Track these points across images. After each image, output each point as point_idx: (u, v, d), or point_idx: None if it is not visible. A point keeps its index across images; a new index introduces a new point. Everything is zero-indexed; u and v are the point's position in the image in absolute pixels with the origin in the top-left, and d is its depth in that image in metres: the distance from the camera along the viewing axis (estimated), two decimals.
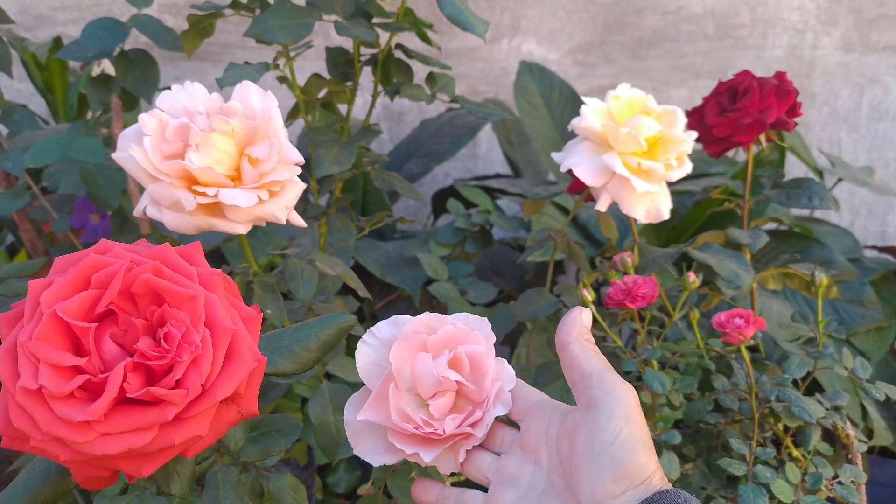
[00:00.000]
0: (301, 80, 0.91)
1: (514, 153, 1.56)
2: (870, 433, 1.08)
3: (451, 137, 1.48)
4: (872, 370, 0.78)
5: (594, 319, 0.81)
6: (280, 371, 0.46)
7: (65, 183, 0.98)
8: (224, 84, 0.75)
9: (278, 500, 0.50)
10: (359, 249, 1.20)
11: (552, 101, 1.48)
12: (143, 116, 0.58)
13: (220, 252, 1.16)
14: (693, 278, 0.82)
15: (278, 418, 0.51)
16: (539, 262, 1.21)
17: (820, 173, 1.41)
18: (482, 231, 1.19)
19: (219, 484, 0.48)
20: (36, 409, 0.37)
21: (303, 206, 0.91)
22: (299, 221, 0.64)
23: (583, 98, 0.80)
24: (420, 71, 0.90)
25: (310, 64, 1.30)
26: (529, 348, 0.94)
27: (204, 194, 0.57)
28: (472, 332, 0.47)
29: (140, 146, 0.57)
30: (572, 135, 0.82)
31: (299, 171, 0.62)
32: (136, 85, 0.92)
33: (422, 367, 0.46)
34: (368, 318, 1.24)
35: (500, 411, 0.47)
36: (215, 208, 0.59)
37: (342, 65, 0.90)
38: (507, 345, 1.28)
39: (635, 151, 0.76)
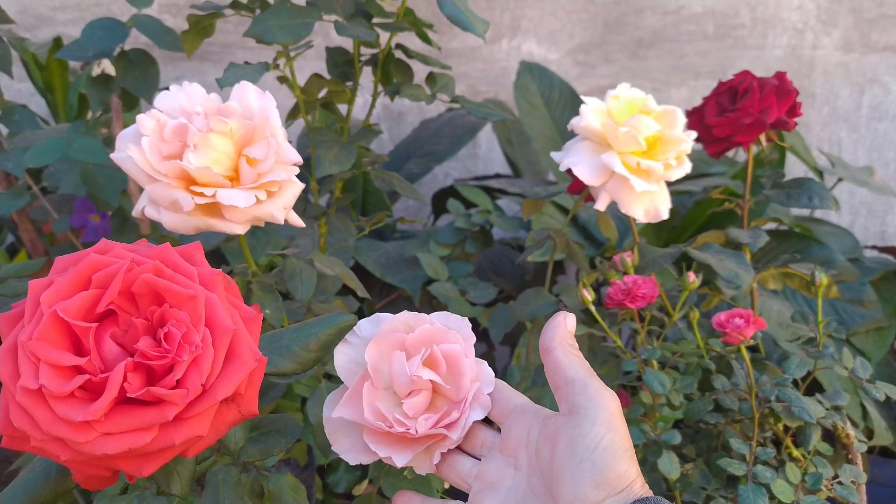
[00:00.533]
0: (301, 80, 0.91)
1: (514, 153, 1.56)
2: (870, 433, 1.08)
3: (451, 137, 1.48)
4: (872, 370, 0.78)
5: (594, 319, 0.81)
6: (280, 371, 0.46)
7: (65, 183, 0.98)
8: (224, 84, 0.75)
9: (278, 500, 0.50)
10: (359, 249, 1.20)
11: (552, 101, 1.48)
12: (140, 117, 0.58)
13: (220, 252, 1.16)
14: (693, 278, 0.82)
15: (278, 418, 0.51)
16: (539, 261, 1.21)
17: (820, 173, 1.41)
18: (482, 231, 1.19)
19: (219, 484, 0.48)
20: (36, 409, 0.37)
21: (303, 206, 0.91)
22: (298, 222, 0.64)
23: (583, 98, 0.80)
24: (420, 71, 0.90)
25: (310, 64, 1.30)
26: (529, 348, 0.94)
27: (202, 195, 0.57)
28: (449, 331, 0.47)
29: (138, 147, 0.57)
30: (572, 135, 0.82)
31: (297, 171, 0.62)
32: (136, 85, 0.92)
33: (397, 366, 0.46)
34: None
35: (479, 415, 0.47)
36: (213, 208, 0.59)
37: (342, 65, 0.90)
38: (506, 345, 1.27)
39: (634, 151, 0.76)
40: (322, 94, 0.90)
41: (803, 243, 1.21)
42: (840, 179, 1.45)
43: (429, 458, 0.47)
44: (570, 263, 1.40)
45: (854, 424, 1.06)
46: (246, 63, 0.79)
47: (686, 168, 0.78)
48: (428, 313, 0.48)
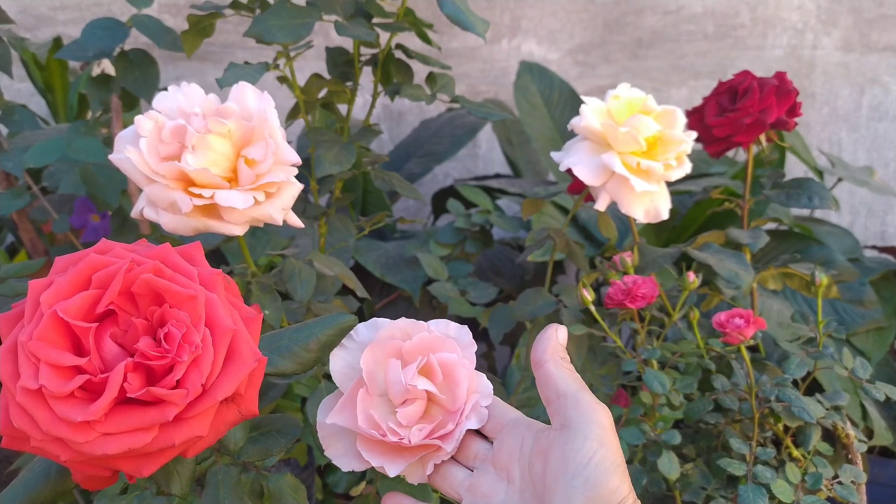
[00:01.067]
0: (301, 80, 0.91)
1: (514, 153, 1.56)
2: (870, 433, 1.08)
3: (451, 137, 1.48)
4: (872, 370, 0.78)
5: (594, 319, 0.81)
6: (280, 371, 0.46)
7: (65, 183, 0.98)
8: (224, 84, 0.75)
9: (278, 500, 0.50)
10: (359, 249, 1.20)
11: (552, 101, 1.48)
12: (139, 118, 0.58)
13: (220, 252, 1.16)
14: (693, 278, 0.82)
15: (278, 418, 0.51)
16: (539, 261, 1.21)
17: (820, 173, 1.41)
18: (482, 231, 1.19)
19: (219, 484, 0.48)
20: (36, 409, 0.37)
21: (303, 206, 0.91)
22: (296, 222, 0.64)
23: (583, 98, 0.80)
24: (420, 71, 0.90)
25: (310, 64, 1.30)
26: (529, 348, 0.94)
27: (200, 196, 0.57)
28: (447, 339, 0.47)
29: (136, 148, 0.57)
30: (572, 135, 0.82)
31: (296, 172, 0.62)
32: (136, 85, 0.92)
33: (392, 374, 0.45)
34: (368, 318, 1.23)
35: (473, 424, 0.46)
36: (212, 210, 0.59)
37: (342, 65, 0.90)
38: (506, 345, 1.27)
39: (634, 151, 0.76)
40: (322, 94, 0.90)
41: (803, 243, 1.21)
42: (840, 179, 1.45)
43: (422, 468, 0.46)
44: (570, 263, 1.40)
45: (854, 424, 1.06)
46: (246, 63, 0.79)
47: (686, 168, 0.78)
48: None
